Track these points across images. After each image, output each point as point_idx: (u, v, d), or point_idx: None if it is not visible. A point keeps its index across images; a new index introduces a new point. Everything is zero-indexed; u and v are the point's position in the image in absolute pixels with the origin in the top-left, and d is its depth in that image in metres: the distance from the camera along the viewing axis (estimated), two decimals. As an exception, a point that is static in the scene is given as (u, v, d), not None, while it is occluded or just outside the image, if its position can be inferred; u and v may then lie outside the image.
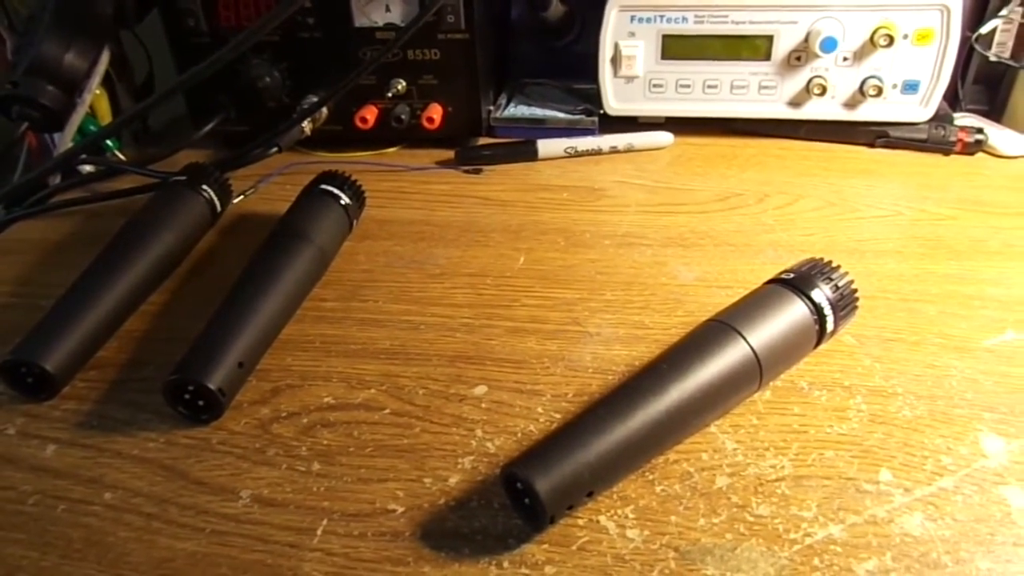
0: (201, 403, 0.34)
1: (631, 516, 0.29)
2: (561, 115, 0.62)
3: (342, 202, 0.46)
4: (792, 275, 0.36)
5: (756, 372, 0.33)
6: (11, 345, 0.36)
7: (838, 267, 0.36)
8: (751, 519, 0.29)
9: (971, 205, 0.51)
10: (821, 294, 0.35)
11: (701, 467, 0.31)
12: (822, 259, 0.36)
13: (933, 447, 0.32)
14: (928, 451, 0.32)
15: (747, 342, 0.32)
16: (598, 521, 0.29)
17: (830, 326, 0.35)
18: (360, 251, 0.47)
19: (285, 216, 0.44)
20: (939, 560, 0.27)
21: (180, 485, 0.31)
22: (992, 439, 0.32)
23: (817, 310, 0.34)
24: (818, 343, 0.35)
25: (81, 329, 0.37)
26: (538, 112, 0.63)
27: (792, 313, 0.34)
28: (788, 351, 0.34)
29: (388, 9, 0.54)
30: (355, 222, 0.47)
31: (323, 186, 0.46)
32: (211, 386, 0.33)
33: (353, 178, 0.47)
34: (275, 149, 0.53)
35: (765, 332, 0.33)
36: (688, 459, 0.32)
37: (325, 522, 0.29)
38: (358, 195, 0.48)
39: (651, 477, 0.31)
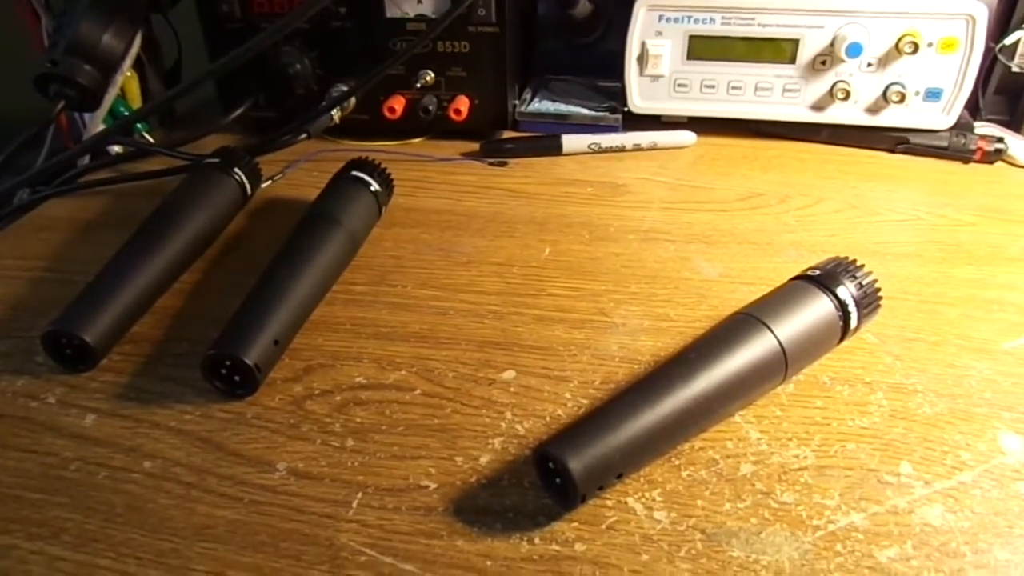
0: (237, 378, 0.35)
1: (658, 499, 0.30)
2: (585, 111, 0.63)
3: (372, 189, 0.46)
4: (818, 272, 0.36)
5: (781, 364, 0.33)
6: (47, 318, 0.36)
7: (862, 266, 0.37)
8: (775, 505, 0.30)
9: (990, 212, 0.52)
10: (846, 291, 0.35)
11: (726, 454, 0.32)
12: (847, 258, 0.37)
13: (953, 443, 0.33)
14: (948, 446, 0.33)
15: (774, 335, 0.33)
16: (626, 503, 0.30)
17: (854, 322, 0.36)
18: (388, 238, 0.48)
19: (317, 200, 0.44)
20: (958, 550, 0.28)
21: (217, 456, 0.32)
22: (1011, 437, 0.33)
23: (842, 306, 0.35)
24: (841, 339, 0.36)
25: (119, 304, 0.37)
26: (562, 108, 0.63)
27: (818, 308, 0.35)
28: (813, 345, 0.35)
29: (419, 1, 0.55)
30: (384, 209, 0.48)
31: (354, 172, 0.46)
32: (248, 361, 0.34)
33: (383, 166, 0.48)
34: (304, 136, 0.54)
35: (791, 326, 0.34)
36: (713, 446, 0.33)
37: (360, 495, 0.30)
38: (387, 182, 0.48)
39: (677, 463, 0.32)
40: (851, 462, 0.32)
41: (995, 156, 0.57)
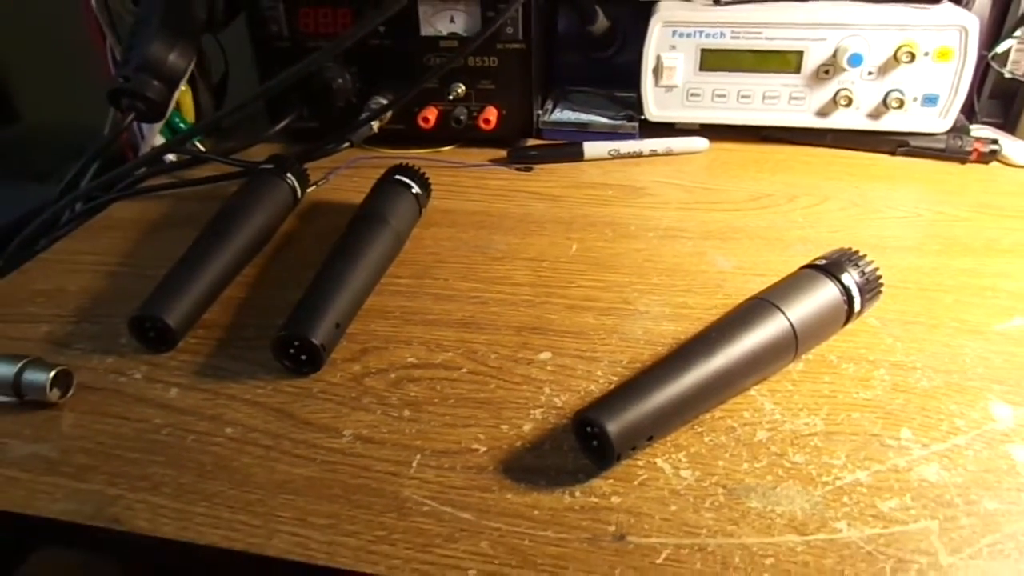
0: (304, 357, 0.39)
1: (684, 460, 0.34)
2: (604, 120, 0.67)
3: (413, 191, 0.51)
4: (825, 261, 0.40)
5: (792, 343, 0.37)
6: (126, 305, 0.41)
7: (864, 256, 0.40)
8: (788, 465, 0.34)
9: (985, 209, 0.55)
10: (850, 278, 0.39)
11: (743, 423, 0.36)
12: (851, 249, 0.41)
13: (948, 412, 0.36)
14: (944, 415, 0.36)
15: (786, 316, 0.37)
16: (655, 463, 0.34)
17: (857, 306, 0.39)
18: (427, 236, 0.52)
19: (365, 202, 0.49)
20: (952, 500, 0.32)
21: (290, 424, 0.36)
22: (1001, 406, 0.37)
23: (846, 292, 0.39)
24: (846, 321, 0.40)
25: (194, 292, 0.42)
26: (583, 117, 0.67)
27: (825, 294, 0.39)
28: (820, 326, 0.39)
29: (452, 20, 0.60)
30: (423, 209, 0.52)
31: (397, 176, 0.51)
32: (315, 341, 0.38)
33: (422, 171, 0.52)
34: (347, 144, 0.58)
35: (801, 309, 0.38)
36: (731, 416, 0.36)
37: (419, 457, 0.34)
38: (426, 185, 0.53)
39: (700, 430, 0.36)
40: (856, 428, 0.36)
41: (990, 157, 0.61)
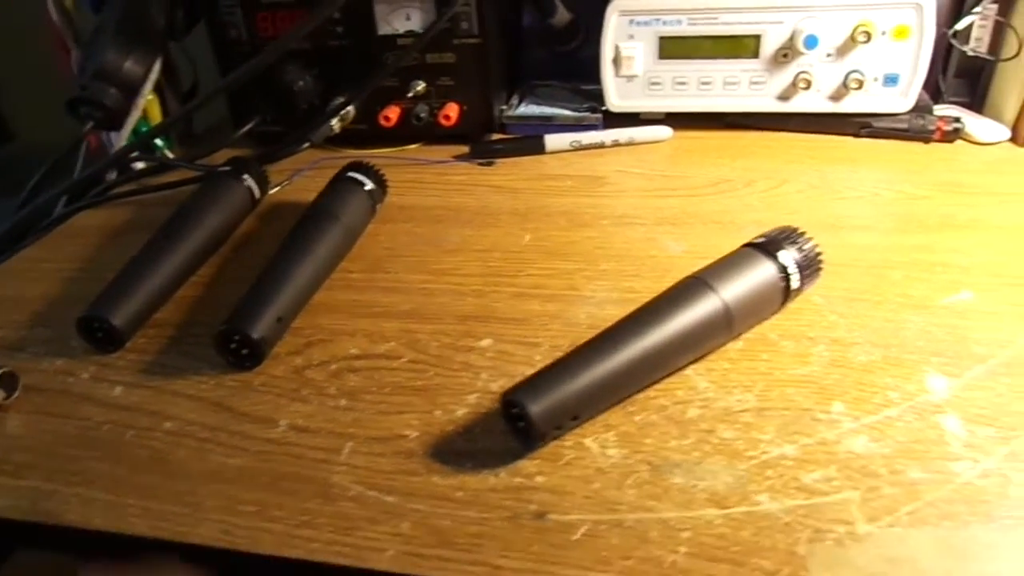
0: (245, 351, 0.39)
1: (612, 439, 0.34)
2: (568, 112, 0.68)
3: (367, 188, 0.51)
4: (763, 239, 0.40)
5: (726, 321, 0.37)
6: (80, 309, 0.41)
7: (803, 233, 0.40)
8: (716, 441, 0.34)
9: (946, 187, 0.55)
10: (788, 256, 0.39)
11: (676, 401, 0.36)
12: (791, 227, 0.41)
13: (883, 384, 0.36)
14: (878, 388, 0.36)
15: (719, 295, 0.37)
16: (583, 443, 0.34)
17: (795, 284, 0.39)
18: (382, 232, 0.53)
19: (316, 199, 0.49)
20: (877, 471, 0.31)
21: (228, 416, 0.37)
22: (937, 378, 0.36)
23: (783, 270, 0.39)
24: (785, 300, 0.40)
25: (142, 292, 0.43)
26: (547, 110, 0.68)
27: (761, 272, 0.39)
28: (756, 304, 0.39)
29: (408, 18, 0.60)
30: (378, 206, 0.53)
31: (350, 174, 0.51)
32: (255, 336, 0.38)
33: (376, 167, 0.53)
34: (307, 144, 0.59)
35: (736, 287, 0.38)
36: (665, 395, 0.36)
37: (351, 444, 0.35)
38: (380, 182, 0.53)
39: (631, 409, 0.36)
40: (788, 404, 0.35)
41: (954, 135, 0.61)
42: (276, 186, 0.59)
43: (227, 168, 0.53)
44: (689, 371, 0.38)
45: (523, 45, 0.75)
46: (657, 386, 0.37)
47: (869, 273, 0.45)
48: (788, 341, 0.40)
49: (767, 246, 0.40)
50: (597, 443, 0.34)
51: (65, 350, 0.42)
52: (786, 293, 0.39)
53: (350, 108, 0.61)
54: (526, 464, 0.33)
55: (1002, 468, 0.31)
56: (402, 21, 0.60)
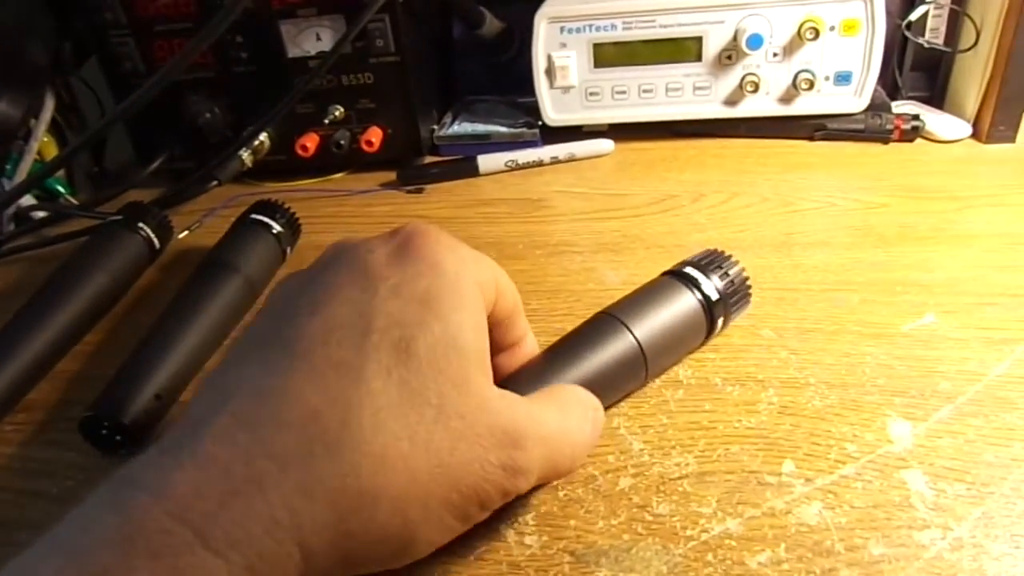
0: (119, 438, 0.34)
1: (531, 522, 0.29)
2: (504, 129, 0.63)
3: (274, 231, 0.46)
4: (685, 266, 0.36)
5: (640, 361, 0.33)
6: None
7: (730, 257, 0.36)
8: (650, 518, 0.29)
9: (905, 192, 0.51)
10: (711, 285, 0.35)
11: (606, 469, 0.32)
12: (716, 250, 0.36)
13: (839, 435, 0.32)
14: (834, 439, 0.32)
15: (631, 332, 0.32)
16: (498, 529, 0.29)
17: (721, 316, 0.35)
18: (295, 277, 0.48)
19: (213, 248, 0.44)
20: (832, 548, 0.27)
21: (93, 519, 0.32)
22: (899, 424, 0.32)
23: (706, 300, 0.34)
24: (709, 333, 0.35)
25: (7, 374, 0.37)
26: (480, 128, 0.63)
27: (681, 304, 0.34)
28: (675, 341, 0.34)
29: (319, 38, 0.56)
30: (289, 250, 0.48)
31: (254, 215, 0.47)
32: (125, 421, 0.33)
33: (287, 206, 0.48)
34: (215, 182, 0.54)
35: (651, 322, 0.33)
36: (594, 462, 0.32)
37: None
38: (291, 223, 0.48)
39: (557, 483, 0.31)
40: (733, 465, 0.31)
41: (913, 134, 0.57)
42: (184, 231, 0.54)
43: (119, 217, 0.48)
44: (623, 430, 0.33)
45: (455, 58, 0.71)
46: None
47: (823, 298, 0.41)
48: (734, 386, 0.35)
49: (688, 274, 0.35)
50: (514, 529, 0.29)
51: (-84, 445, 0.37)
52: (711, 327, 0.35)
53: (263, 139, 0.57)
54: (430, 566, 0.28)
55: (975, 536, 0.27)
56: (312, 42, 0.56)
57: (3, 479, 0.34)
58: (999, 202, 0.49)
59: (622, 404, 0.35)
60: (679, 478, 0.31)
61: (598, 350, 0.32)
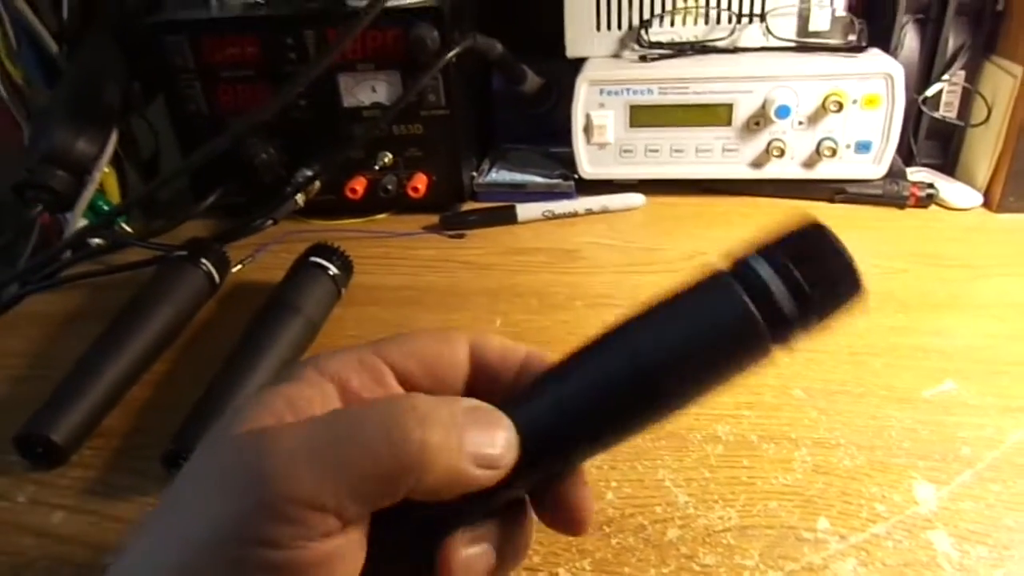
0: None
1: (588, 568, 0.32)
2: (540, 179, 0.66)
3: (331, 273, 0.49)
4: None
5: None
6: (24, 415, 0.39)
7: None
8: (697, 568, 0.32)
9: (922, 258, 0.54)
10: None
11: (655, 519, 0.34)
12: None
13: (869, 495, 0.35)
14: (864, 499, 0.34)
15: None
16: (557, 573, 0.32)
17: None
18: (348, 317, 0.51)
19: (276, 289, 0.47)
20: (867, 603, 0.30)
21: (176, 546, 0.34)
22: (924, 486, 0.35)
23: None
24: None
25: (86, 401, 0.40)
26: (518, 177, 0.67)
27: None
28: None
29: (374, 90, 0.59)
30: (343, 290, 0.51)
31: (312, 258, 0.49)
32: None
33: (342, 249, 0.51)
34: (270, 222, 0.57)
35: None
36: (643, 512, 0.34)
37: None
38: (346, 265, 0.51)
39: (607, 530, 0.34)
40: (772, 520, 0.34)
41: (928, 200, 0.60)
42: (238, 264, 0.57)
43: (183, 253, 0.51)
44: (668, 483, 0.36)
45: (493, 108, 0.74)
46: (635, 500, 0.35)
47: (849, 360, 0.44)
48: (769, 444, 0.38)
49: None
50: (571, 574, 0.32)
51: (1, 466, 0.39)
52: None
53: (315, 181, 0.60)
54: (495, 601, 0.31)
55: (998, 597, 0.30)
56: (368, 93, 0.59)
57: (88, 501, 0.37)
58: (1011, 272, 0.52)
59: (666, 456, 0.37)
60: (723, 531, 0.33)
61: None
